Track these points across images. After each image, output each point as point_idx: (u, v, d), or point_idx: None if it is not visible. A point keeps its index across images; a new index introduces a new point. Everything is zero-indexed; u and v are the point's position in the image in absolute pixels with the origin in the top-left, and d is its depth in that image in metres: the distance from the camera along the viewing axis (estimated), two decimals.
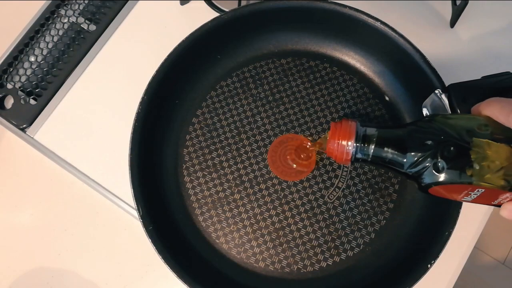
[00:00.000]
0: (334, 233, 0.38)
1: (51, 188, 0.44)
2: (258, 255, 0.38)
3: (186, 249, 0.38)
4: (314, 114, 0.41)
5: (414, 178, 0.28)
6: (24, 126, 0.45)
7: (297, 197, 0.39)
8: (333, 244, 0.38)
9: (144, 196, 0.36)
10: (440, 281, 0.39)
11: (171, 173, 0.40)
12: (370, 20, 0.38)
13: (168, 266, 0.34)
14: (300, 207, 0.39)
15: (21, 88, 0.47)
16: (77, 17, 0.49)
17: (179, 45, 0.38)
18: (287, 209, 0.39)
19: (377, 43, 0.39)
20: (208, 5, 0.47)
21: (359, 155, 0.31)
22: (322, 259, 0.38)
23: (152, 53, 0.41)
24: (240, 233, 0.39)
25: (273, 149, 0.40)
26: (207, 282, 0.35)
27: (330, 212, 0.38)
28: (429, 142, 0.27)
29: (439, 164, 0.26)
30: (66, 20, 0.49)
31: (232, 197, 0.39)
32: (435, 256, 0.33)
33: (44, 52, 0.48)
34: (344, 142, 0.31)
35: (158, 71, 0.38)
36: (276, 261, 0.38)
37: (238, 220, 0.39)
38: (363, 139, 0.31)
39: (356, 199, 0.39)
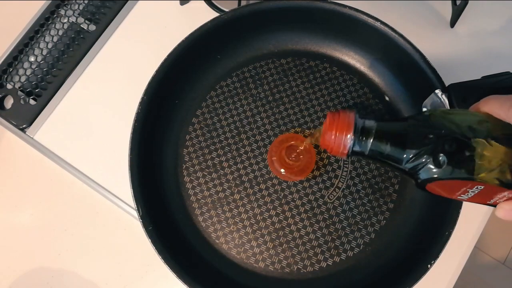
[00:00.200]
0: (334, 233, 0.38)
1: (51, 188, 0.44)
2: (258, 255, 0.38)
3: (186, 249, 0.38)
4: (314, 114, 0.41)
5: (411, 174, 0.27)
6: (24, 126, 0.45)
7: (297, 197, 0.39)
8: (333, 244, 0.38)
9: (144, 196, 0.36)
10: (440, 281, 0.39)
11: (171, 173, 0.40)
12: (370, 20, 0.38)
13: (168, 266, 0.34)
14: (300, 207, 0.39)
15: (21, 88, 0.47)
16: (77, 17, 0.49)
17: (179, 45, 0.38)
18: (287, 209, 0.39)
19: (377, 43, 0.39)
20: (208, 5, 0.47)
21: (356, 148, 0.29)
22: (322, 259, 0.38)
23: (152, 53, 0.41)
24: (240, 233, 0.39)
25: (273, 149, 0.40)
26: (207, 282, 0.35)
27: (330, 212, 0.38)
28: (430, 136, 0.26)
29: (440, 158, 0.25)
30: (66, 20, 0.49)
31: (232, 197, 0.39)
32: (435, 256, 0.33)
33: (44, 52, 0.48)
34: (341, 134, 0.29)
35: (158, 71, 0.38)
36: (276, 261, 0.38)
37: (238, 220, 0.39)
38: (361, 132, 0.29)
39: (356, 199, 0.39)
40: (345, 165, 0.40)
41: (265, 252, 0.38)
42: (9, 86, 0.47)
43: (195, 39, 0.39)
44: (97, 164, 0.44)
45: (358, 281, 0.37)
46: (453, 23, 0.45)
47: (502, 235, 1.01)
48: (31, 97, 0.46)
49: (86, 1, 0.49)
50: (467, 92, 0.32)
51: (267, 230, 0.38)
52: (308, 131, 0.41)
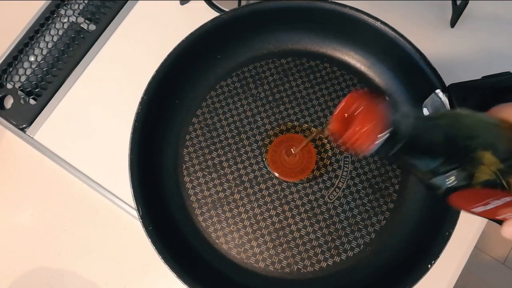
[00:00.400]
0: (334, 233, 0.38)
1: (51, 188, 0.44)
2: (258, 255, 0.38)
3: (186, 249, 0.38)
4: (314, 114, 0.41)
5: (434, 184, 0.24)
6: (24, 126, 0.45)
7: (297, 197, 0.39)
8: (333, 244, 0.38)
9: (144, 196, 0.36)
10: (440, 281, 0.39)
11: (171, 173, 0.40)
12: (370, 20, 0.38)
13: (168, 266, 0.34)
14: (300, 207, 0.39)
15: (21, 88, 0.47)
16: (77, 17, 0.49)
17: (179, 45, 0.38)
18: (287, 209, 0.39)
19: (377, 43, 0.39)
20: (208, 5, 0.47)
21: (381, 149, 0.23)
22: (322, 259, 0.38)
23: (152, 53, 0.41)
24: (240, 233, 0.39)
25: (273, 149, 0.40)
26: (207, 282, 0.35)
27: (330, 212, 0.38)
28: (462, 145, 0.23)
29: (473, 168, 0.23)
30: (66, 20, 0.49)
31: (232, 197, 0.39)
32: (436, 256, 0.33)
33: (44, 52, 0.48)
34: (372, 131, 0.23)
35: (158, 71, 0.38)
36: (276, 261, 0.38)
37: (238, 220, 0.39)
38: (394, 132, 0.23)
39: (356, 199, 0.39)
40: (345, 165, 0.40)
41: (265, 252, 0.38)
42: (9, 86, 0.47)
43: (195, 39, 0.39)
44: (97, 164, 0.44)
45: (358, 281, 0.37)
46: (453, 23, 0.45)
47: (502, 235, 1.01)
48: (31, 97, 0.46)
49: (86, 1, 0.49)
50: (467, 92, 0.32)
51: (267, 230, 0.38)
52: (314, 128, 0.41)
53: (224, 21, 0.39)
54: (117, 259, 0.42)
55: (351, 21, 0.38)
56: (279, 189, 0.39)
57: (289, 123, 0.41)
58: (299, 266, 0.38)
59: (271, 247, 0.38)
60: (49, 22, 0.49)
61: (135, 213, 0.36)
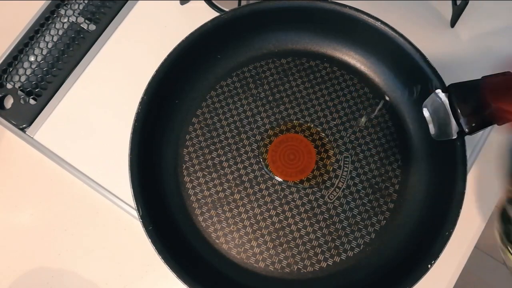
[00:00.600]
0: (334, 233, 0.38)
1: (51, 188, 0.44)
2: (258, 255, 0.38)
3: (186, 249, 0.38)
4: (314, 114, 0.41)
5: None
6: (24, 126, 0.45)
7: (297, 197, 0.39)
8: (333, 244, 0.38)
9: (144, 196, 0.36)
10: (440, 281, 0.39)
11: (171, 173, 0.40)
12: (370, 20, 0.38)
13: (168, 266, 0.34)
14: (300, 207, 0.39)
15: (21, 88, 0.47)
16: (77, 17, 0.49)
17: (179, 45, 0.38)
18: (287, 209, 0.39)
19: (377, 43, 0.39)
20: (208, 5, 0.47)
21: None
22: (322, 259, 0.38)
23: (152, 53, 0.41)
24: (240, 233, 0.39)
25: (273, 149, 0.40)
26: (207, 282, 0.35)
27: (330, 212, 0.38)
28: None
29: None
30: (66, 20, 0.49)
31: (232, 197, 0.39)
32: (435, 256, 0.33)
33: (44, 52, 0.48)
34: None
35: (158, 71, 0.38)
36: (276, 261, 0.38)
37: (238, 220, 0.39)
38: None
39: (356, 199, 0.39)
40: (345, 165, 0.40)
41: (265, 252, 0.38)
42: (9, 86, 0.47)
43: (195, 39, 0.39)
44: (97, 164, 0.44)
45: (358, 281, 0.37)
46: (453, 23, 0.45)
47: None
48: (31, 97, 0.46)
49: (86, 1, 0.49)
50: (467, 92, 0.32)
51: (267, 230, 0.38)
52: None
53: (224, 21, 0.39)
54: (117, 259, 0.42)
55: (351, 21, 0.38)
56: (279, 189, 0.39)
57: (289, 123, 0.41)
58: (299, 266, 0.38)
59: (271, 247, 0.38)
60: (49, 22, 0.49)
61: (135, 213, 0.36)
